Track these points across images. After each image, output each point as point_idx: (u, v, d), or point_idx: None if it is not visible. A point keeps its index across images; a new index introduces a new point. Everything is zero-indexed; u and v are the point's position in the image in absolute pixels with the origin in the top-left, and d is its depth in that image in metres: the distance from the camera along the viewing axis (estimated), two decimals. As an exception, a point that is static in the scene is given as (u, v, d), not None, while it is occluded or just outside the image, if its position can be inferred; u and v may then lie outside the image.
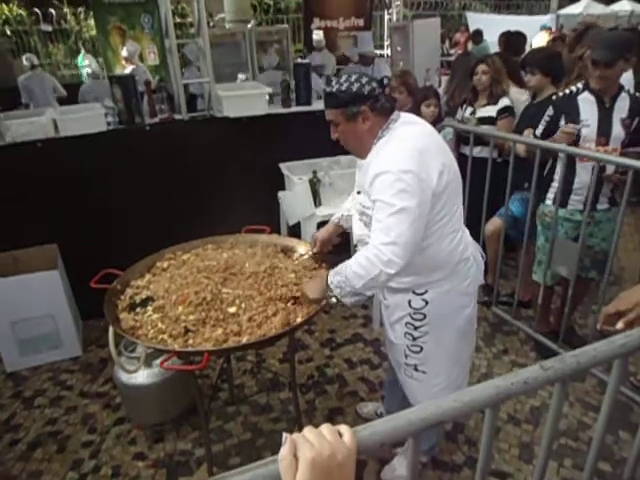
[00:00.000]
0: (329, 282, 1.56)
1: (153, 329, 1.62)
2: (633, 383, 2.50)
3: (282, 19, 12.14)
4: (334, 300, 1.58)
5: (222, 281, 1.81)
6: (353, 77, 1.55)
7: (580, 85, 2.48)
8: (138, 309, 1.75)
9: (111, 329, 1.75)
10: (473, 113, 3.29)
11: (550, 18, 12.96)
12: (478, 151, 3.17)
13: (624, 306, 1.04)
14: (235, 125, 3.25)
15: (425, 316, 1.69)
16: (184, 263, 2.04)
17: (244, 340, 1.56)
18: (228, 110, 3.25)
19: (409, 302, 1.69)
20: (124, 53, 5.66)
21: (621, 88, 2.39)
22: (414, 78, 3.65)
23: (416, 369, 1.78)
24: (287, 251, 2.16)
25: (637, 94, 2.42)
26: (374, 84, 1.55)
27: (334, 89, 1.54)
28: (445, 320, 1.70)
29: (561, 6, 15.69)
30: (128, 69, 5.60)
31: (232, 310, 1.66)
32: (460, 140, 3.31)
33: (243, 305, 1.69)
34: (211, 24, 9.02)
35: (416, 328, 1.71)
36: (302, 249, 2.14)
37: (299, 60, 4.09)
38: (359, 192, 1.71)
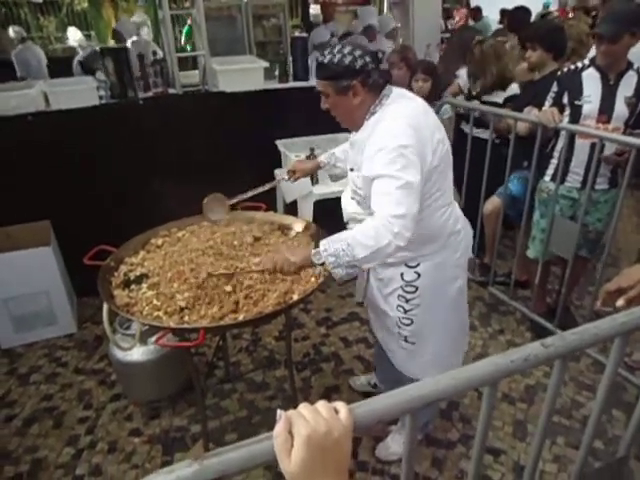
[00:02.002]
0: (321, 250, 1.45)
1: (148, 306, 1.60)
2: (627, 363, 2.52)
3: (279, -7, 11.83)
4: (319, 270, 1.54)
5: (216, 259, 1.78)
6: (347, 49, 1.48)
7: (587, 61, 2.42)
8: (133, 286, 1.73)
9: (105, 306, 1.73)
10: (479, 95, 3.21)
11: (553, -5, 12.71)
12: (478, 131, 3.11)
13: (626, 283, 1.03)
14: (231, 100, 3.18)
15: (417, 289, 1.71)
16: (179, 240, 2.01)
17: (240, 317, 1.55)
18: (224, 84, 3.18)
19: (402, 275, 1.71)
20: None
21: (629, 65, 2.32)
22: (414, 53, 3.57)
23: (406, 340, 1.81)
24: (284, 229, 2.13)
25: None
26: (367, 58, 1.49)
27: (326, 60, 1.49)
28: (437, 292, 1.72)
29: (564, -17, 15.41)
30: (129, 41, 5.46)
31: (228, 288, 1.64)
32: (462, 118, 3.25)
33: (238, 283, 1.67)
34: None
35: (407, 301, 1.73)
36: (299, 227, 2.11)
37: (296, 34, 4.00)
38: (352, 169, 1.69)
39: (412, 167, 1.42)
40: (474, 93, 3.27)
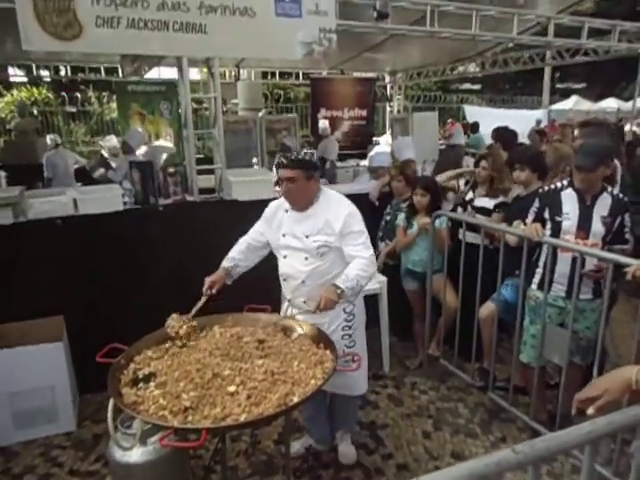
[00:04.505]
0: (344, 288, 2.11)
1: (154, 405, 1.67)
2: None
3: (291, 108, 13.04)
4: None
5: (222, 360, 1.88)
6: (308, 154, 2.27)
7: (565, 182, 2.69)
8: (141, 384, 1.81)
9: (111, 403, 1.80)
10: (472, 200, 3.52)
11: (542, 113, 13.87)
12: (473, 237, 3.31)
13: (594, 392, 1.12)
14: (243, 207, 3.45)
15: (354, 316, 2.42)
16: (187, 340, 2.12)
17: (242, 418, 1.61)
18: (237, 194, 3.49)
19: (343, 309, 2.35)
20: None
21: (604, 188, 2.59)
22: (413, 169, 3.93)
23: (353, 360, 2.15)
24: (286, 330, 2.24)
25: (620, 195, 2.60)
26: (318, 161, 2.36)
27: (300, 157, 2.24)
28: (362, 314, 2.51)
29: (552, 102, 16.89)
30: (143, 149, 6.01)
31: (232, 389, 1.72)
32: (458, 224, 3.50)
33: (242, 384, 1.75)
34: (224, 109, 9.68)
35: (350, 327, 2.42)
36: (301, 329, 2.23)
37: (305, 149, 4.41)
38: (307, 236, 2.28)
39: (363, 223, 2.32)
40: (467, 199, 3.57)
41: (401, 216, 3.57)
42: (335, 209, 2.28)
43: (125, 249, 3.19)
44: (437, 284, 3.45)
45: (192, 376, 1.78)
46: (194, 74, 8.46)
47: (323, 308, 2.09)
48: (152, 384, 1.80)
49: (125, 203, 3.31)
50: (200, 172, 3.74)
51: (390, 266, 3.69)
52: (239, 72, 8.67)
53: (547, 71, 15.82)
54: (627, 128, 7.71)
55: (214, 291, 2.31)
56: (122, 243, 3.19)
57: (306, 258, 2.30)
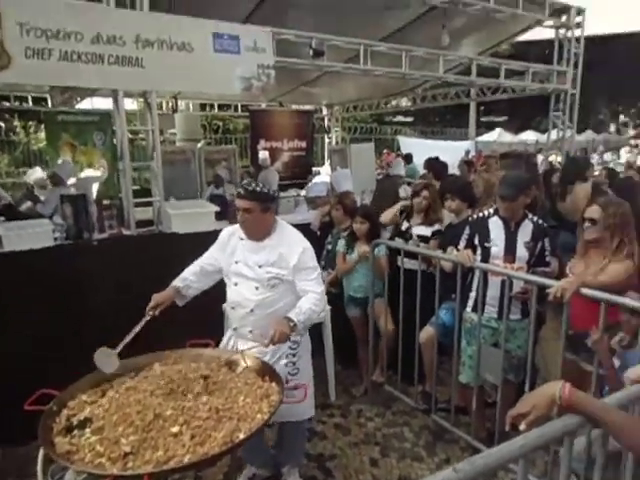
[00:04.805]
0: (297, 321, 2.16)
1: (91, 452, 1.58)
2: None
3: (230, 139, 13.06)
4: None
5: (164, 400, 1.82)
6: (266, 186, 2.33)
7: (492, 210, 2.89)
8: (75, 432, 1.71)
9: (41, 454, 1.68)
10: (409, 229, 3.66)
11: (470, 144, 14.84)
12: (412, 264, 3.44)
13: (524, 409, 1.20)
14: (182, 240, 3.39)
15: (299, 344, 2.43)
16: (125, 382, 2.02)
17: (186, 460, 1.56)
18: (176, 226, 3.43)
19: (289, 338, 2.24)
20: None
21: (525, 215, 2.81)
22: (351, 199, 4.05)
23: (296, 388, 2.17)
24: (231, 364, 2.21)
25: (539, 221, 2.82)
26: (276, 192, 2.32)
27: (258, 188, 2.28)
28: (307, 342, 2.52)
29: (478, 134, 18.12)
30: (72, 180, 5.78)
31: (175, 430, 1.66)
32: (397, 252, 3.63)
33: (185, 423, 1.69)
34: (162, 139, 9.52)
35: (294, 355, 2.42)
36: (245, 362, 2.20)
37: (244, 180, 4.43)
38: (260, 266, 2.30)
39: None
40: (403, 228, 3.72)
41: (341, 242, 3.66)
42: (290, 244, 2.33)
43: (55, 287, 3.01)
44: (378, 309, 3.54)
45: (132, 419, 1.70)
46: (129, 104, 8.30)
47: (277, 341, 2.11)
48: (88, 430, 1.70)
49: (56, 239, 3.15)
50: (137, 204, 3.65)
51: (333, 294, 3.74)
52: (177, 103, 8.61)
53: (472, 106, 16.95)
54: (541, 158, 8.35)
55: (157, 312, 2.27)
56: (52, 281, 3.00)
57: (257, 288, 2.31)
